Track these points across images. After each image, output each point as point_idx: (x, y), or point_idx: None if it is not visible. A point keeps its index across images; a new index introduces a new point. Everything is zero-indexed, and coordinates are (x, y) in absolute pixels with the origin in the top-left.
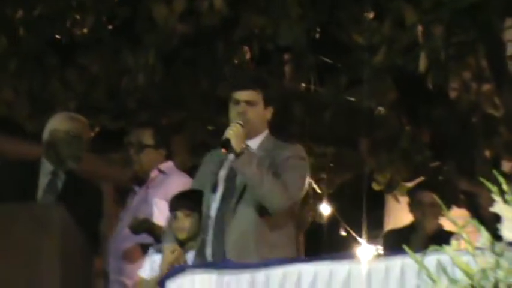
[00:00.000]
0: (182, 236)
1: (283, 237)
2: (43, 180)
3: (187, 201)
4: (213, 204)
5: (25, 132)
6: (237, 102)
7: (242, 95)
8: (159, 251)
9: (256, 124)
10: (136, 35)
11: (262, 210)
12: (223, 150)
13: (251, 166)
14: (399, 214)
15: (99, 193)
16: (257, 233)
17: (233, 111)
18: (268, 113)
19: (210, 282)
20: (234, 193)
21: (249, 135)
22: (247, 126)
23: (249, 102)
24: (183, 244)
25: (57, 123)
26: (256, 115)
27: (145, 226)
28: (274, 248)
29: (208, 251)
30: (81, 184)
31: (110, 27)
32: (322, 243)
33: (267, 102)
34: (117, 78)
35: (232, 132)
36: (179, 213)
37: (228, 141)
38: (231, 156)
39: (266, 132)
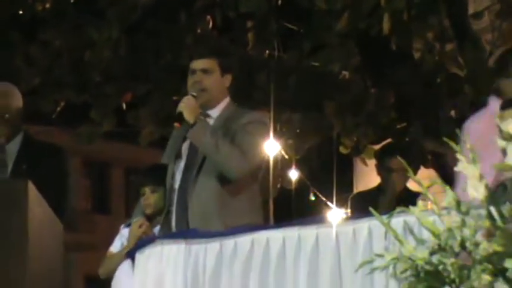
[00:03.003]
0: (149, 211)
1: (248, 204)
2: None
3: (152, 178)
4: (177, 176)
5: None
6: (193, 71)
7: (197, 63)
8: (130, 225)
9: (214, 92)
10: (98, 8)
11: (222, 179)
12: (176, 124)
13: (205, 135)
14: (368, 177)
15: (61, 152)
16: (219, 201)
17: (190, 80)
18: (227, 81)
19: (178, 251)
20: (195, 164)
21: (209, 104)
22: (205, 95)
23: (204, 71)
24: (150, 219)
25: None
26: (213, 83)
27: None
28: (239, 215)
29: (173, 222)
30: (38, 147)
31: (71, 1)
32: (291, 209)
33: (224, 70)
34: (81, 52)
35: (183, 105)
36: (146, 189)
37: (180, 114)
38: None
39: (227, 100)
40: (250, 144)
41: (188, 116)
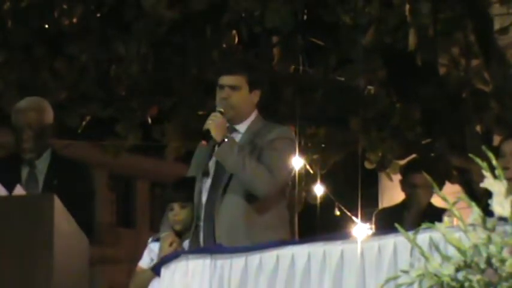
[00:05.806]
0: (178, 227)
1: (275, 219)
2: (24, 173)
3: (182, 193)
4: (204, 192)
5: None
6: (222, 87)
7: (226, 79)
8: (157, 240)
9: (242, 108)
10: (124, 22)
11: (249, 197)
12: (203, 142)
13: (232, 154)
14: (393, 192)
15: (87, 170)
16: (246, 217)
17: (218, 95)
18: (255, 97)
19: (203, 266)
20: (221, 181)
21: (236, 119)
22: (232, 111)
23: (232, 87)
24: (179, 234)
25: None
26: (240, 99)
27: None
28: (266, 230)
29: (201, 237)
30: (66, 164)
31: (97, 15)
32: (316, 225)
33: (253, 86)
34: (107, 66)
35: (211, 122)
36: (175, 205)
37: (207, 132)
38: None
39: (254, 115)
40: (278, 161)
41: (215, 134)
